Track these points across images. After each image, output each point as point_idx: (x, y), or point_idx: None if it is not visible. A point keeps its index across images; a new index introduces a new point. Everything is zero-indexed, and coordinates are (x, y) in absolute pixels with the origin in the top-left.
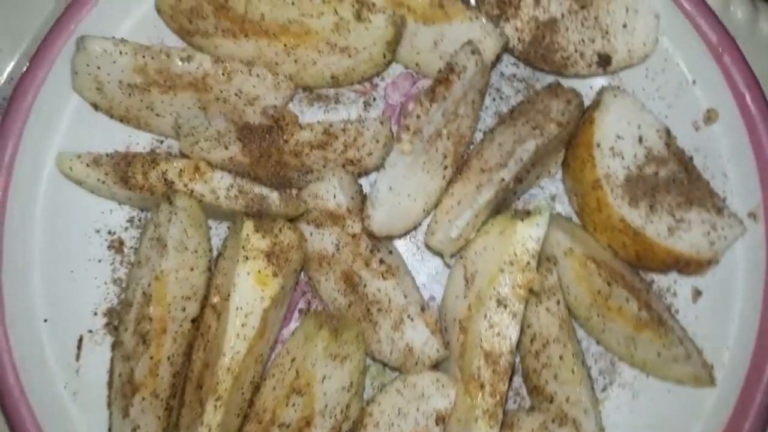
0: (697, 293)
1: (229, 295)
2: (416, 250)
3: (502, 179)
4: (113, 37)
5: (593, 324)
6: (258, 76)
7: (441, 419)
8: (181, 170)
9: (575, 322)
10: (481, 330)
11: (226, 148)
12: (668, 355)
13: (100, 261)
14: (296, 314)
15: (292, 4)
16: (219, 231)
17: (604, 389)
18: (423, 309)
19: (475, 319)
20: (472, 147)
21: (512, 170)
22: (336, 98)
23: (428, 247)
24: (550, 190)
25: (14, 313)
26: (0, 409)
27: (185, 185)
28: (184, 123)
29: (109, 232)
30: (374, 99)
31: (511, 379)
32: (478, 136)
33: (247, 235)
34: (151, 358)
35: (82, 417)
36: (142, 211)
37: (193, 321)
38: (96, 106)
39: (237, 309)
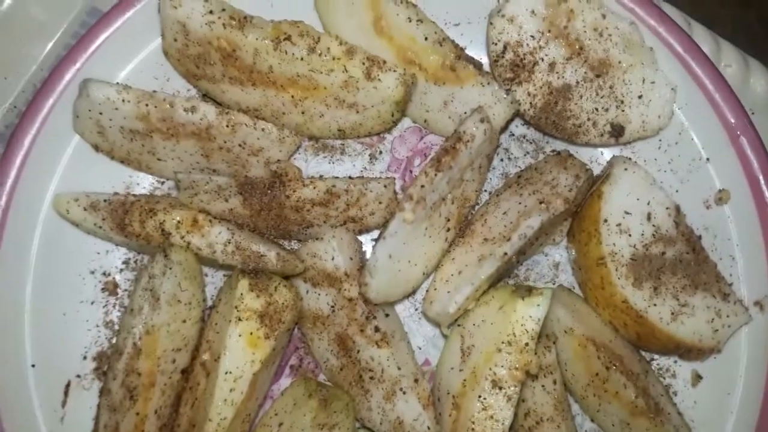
0: (698, 378)
1: (219, 357)
2: (414, 311)
3: (505, 253)
4: (117, 83)
5: (589, 403)
6: (263, 130)
7: None
8: (178, 222)
9: (571, 397)
10: (475, 411)
11: (226, 200)
12: None
13: (92, 303)
14: (287, 370)
15: (302, 59)
16: (215, 279)
17: None
18: (417, 381)
19: (469, 397)
20: (476, 208)
21: (515, 245)
22: (342, 149)
23: (425, 316)
24: (554, 257)
25: (1, 358)
26: None
27: (182, 237)
28: (184, 177)
29: (104, 274)
30: (380, 152)
31: None
32: (484, 196)
33: (241, 294)
34: (137, 414)
35: None
36: (138, 253)
37: (182, 372)
38: (97, 148)
39: (226, 373)
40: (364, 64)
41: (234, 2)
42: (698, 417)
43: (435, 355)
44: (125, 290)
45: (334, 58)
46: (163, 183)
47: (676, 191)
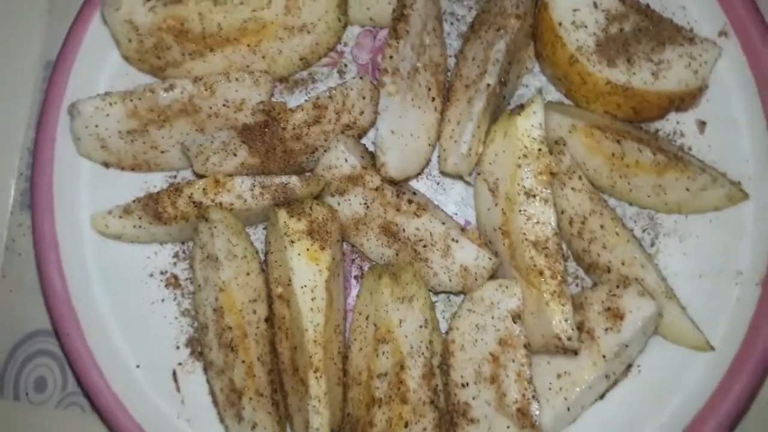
0: (702, 124)
1: (290, 281)
2: (436, 186)
3: (488, 84)
4: (98, 94)
5: (620, 187)
6: (237, 80)
7: (517, 317)
8: (204, 189)
9: (603, 193)
10: (522, 225)
11: (235, 154)
12: (696, 186)
13: (163, 300)
14: (353, 282)
15: (241, 3)
16: (258, 235)
17: (652, 244)
18: (463, 229)
19: (513, 219)
20: (450, 73)
21: (493, 73)
22: (311, 78)
23: (445, 174)
24: (535, 84)
25: (110, 369)
26: None
27: (212, 200)
28: (191, 145)
29: (162, 273)
30: (345, 65)
31: (566, 266)
32: (452, 62)
33: (284, 222)
34: (243, 361)
35: None
36: (182, 243)
37: (266, 320)
38: (106, 164)
39: (302, 288)
40: None
41: None
42: (717, 156)
43: (471, 214)
44: (186, 279)
45: None
46: (174, 176)
47: None
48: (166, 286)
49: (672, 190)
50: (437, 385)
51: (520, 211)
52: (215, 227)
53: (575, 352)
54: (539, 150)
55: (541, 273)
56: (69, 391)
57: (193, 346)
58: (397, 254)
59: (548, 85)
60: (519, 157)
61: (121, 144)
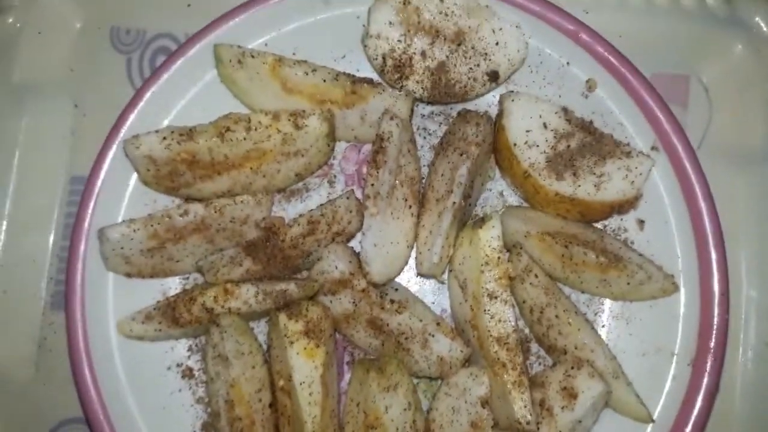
0: (641, 222)
1: (290, 376)
2: (416, 278)
3: (454, 202)
4: (123, 221)
5: (572, 280)
6: (242, 202)
7: (485, 402)
8: (215, 297)
9: (559, 283)
10: (486, 323)
11: (241, 265)
12: (635, 282)
13: (180, 390)
14: (345, 367)
15: (244, 139)
16: (261, 329)
17: (603, 326)
18: (438, 324)
19: (479, 316)
20: (424, 181)
21: (458, 193)
22: (305, 188)
23: (421, 275)
24: (497, 188)
25: None
26: None
27: (222, 306)
28: (204, 262)
29: (178, 365)
30: (335, 176)
31: (528, 350)
32: (425, 170)
33: (284, 324)
34: None
35: None
36: (195, 338)
37: (270, 406)
38: (128, 275)
39: (301, 384)
40: (290, 120)
41: (175, 122)
42: (656, 250)
43: (447, 303)
44: (199, 369)
45: (267, 127)
46: (187, 278)
47: (559, 96)
48: (182, 377)
49: (615, 284)
50: None
51: (484, 310)
52: (225, 331)
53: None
54: (498, 258)
55: (504, 365)
56: None
57: (208, 430)
58: (383, 344)
59: (508, 189)
60: (482, 264)
61: (142, 260)
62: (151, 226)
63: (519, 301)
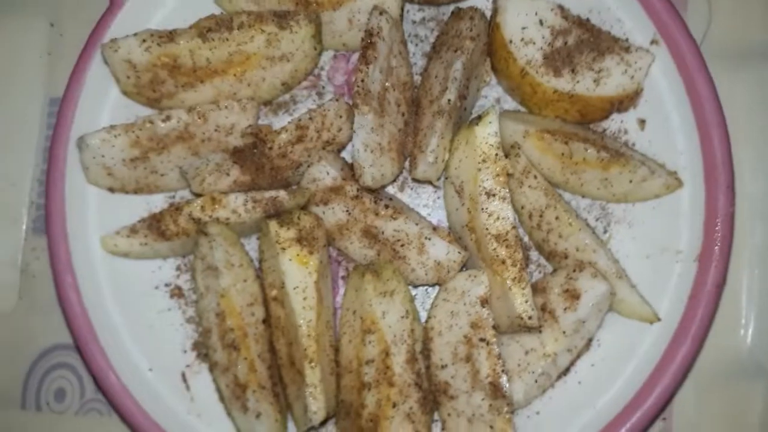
0: (642, 122)
1: (283, 283)
2: (410, 190)
3: (449, 100)
4: (104, 127)
5: (572, 182)
6: (226, 107)
7: (485, 301)
8: (201, 206)
9: (558, 189)
10: (484, 221)
11: (228, 174)
12: (637, 178)
13: (169, 309)
14: (340, 282)
15: (227, 40)
16: (252, 245)
17: (605, 231)
18: (434, 228)
19: (477, 217)
20: (416, 89)
21: (453, 90)
22: (293, 100)
23: (416, 180)
24: (493, 95)
25: (126, 373)
26: None
27: (210, 216)
28: (189, 168)
29: (166, 285)
30: (323, 87)
31: (528, 255)
32: (418, 79)
33: (275, 231)
34: (245, 359)
35: (211, 429)
36: (183, 257)
37: (263, 322)
38: (112, 189)
39: (294, 289)
40: (274, 20)
41: (154, 25)
42: (657, 149)
43: (442, 215)
44: (188, 289)
45: (250, 26)
46: (173, 196)
47: None
48: (170, 296)
49: (617, 183)
50: (420, 368)
51: (482, 209)
52: (214, 240)
53: (538, 329)
54: (496, 155)
55: (503, 262)
56: (87, 399)
57: (199, 349)
58: (378, 254)
59: (505, 95)
60: (479, 162)
61: (125, 171)
62: (133, 132)
63: (518, 207)
